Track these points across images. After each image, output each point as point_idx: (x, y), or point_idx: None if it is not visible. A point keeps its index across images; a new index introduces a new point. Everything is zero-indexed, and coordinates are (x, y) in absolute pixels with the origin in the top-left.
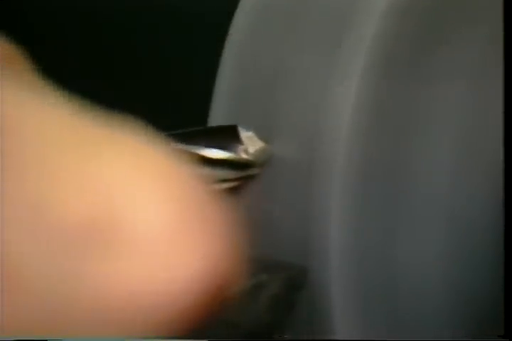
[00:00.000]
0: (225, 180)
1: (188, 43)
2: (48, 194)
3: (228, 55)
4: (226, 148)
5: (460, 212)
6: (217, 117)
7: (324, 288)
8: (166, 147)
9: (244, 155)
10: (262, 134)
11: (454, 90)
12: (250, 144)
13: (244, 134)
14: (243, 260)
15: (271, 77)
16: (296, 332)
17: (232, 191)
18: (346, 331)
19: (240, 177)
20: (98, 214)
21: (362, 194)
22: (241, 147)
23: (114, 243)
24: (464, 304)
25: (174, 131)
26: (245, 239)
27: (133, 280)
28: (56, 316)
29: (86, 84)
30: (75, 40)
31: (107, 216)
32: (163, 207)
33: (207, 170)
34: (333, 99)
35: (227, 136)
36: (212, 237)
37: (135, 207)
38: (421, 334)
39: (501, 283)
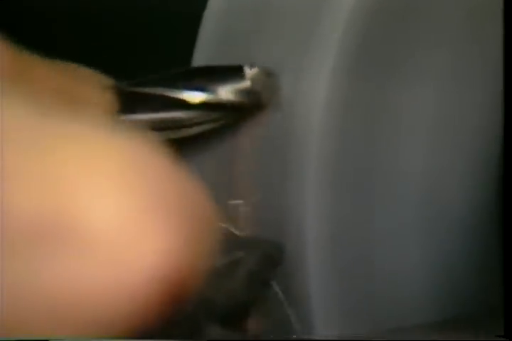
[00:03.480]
0: (207, 122)
1: None
2: (4, 191)
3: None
4: (213, 89)
5: (434, 192)
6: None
7: (301, 264)
8: (133, 136)
9: (230, 97)
10: None
11: (424, 88)
12: (254, 81)
13: (251, 72)
14: (205, 253)
15: None
16: (272, 310)
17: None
18: (323, 307)
19: (224, 118)
20: (51, 212)
21: (338, 169)
22: (231, 88)
23: (67, 239)
24: (438, 280)
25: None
26: (210, 231)
27: (88, 276)
28: (10, 315)
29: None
30: None
31: (60, 213)
32: (120, 200)
33: (189, 113)
34: (304, 96)
35: (227, 75)
36: (170, 232)
37: (88, 203)
38: (398, 306)
39: (481, 267)
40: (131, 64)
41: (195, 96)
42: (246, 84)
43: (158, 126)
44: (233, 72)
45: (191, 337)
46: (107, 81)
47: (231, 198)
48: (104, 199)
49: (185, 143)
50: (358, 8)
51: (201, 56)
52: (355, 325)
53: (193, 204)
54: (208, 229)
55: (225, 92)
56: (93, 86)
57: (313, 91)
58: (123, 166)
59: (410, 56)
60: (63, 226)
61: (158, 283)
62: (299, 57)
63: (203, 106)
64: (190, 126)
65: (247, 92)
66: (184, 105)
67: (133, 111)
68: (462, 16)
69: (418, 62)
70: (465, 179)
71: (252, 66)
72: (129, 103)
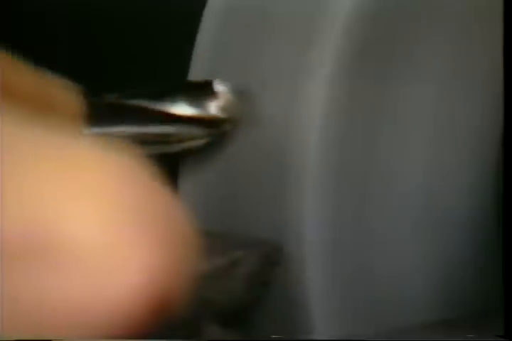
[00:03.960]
0: (194, 138)
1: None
2: None
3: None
4: (198, 105)
5: (434, 195)
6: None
7: (300, 264)
8: (116, 149)
9: (215, 112)
10: None
11: (422, 89)
12: (224, 100)
13: (220, 89)
14: (187, 270)
15: (238, 79)
16: (273, 308)
17: (203, 150)
18: (323, 307)
19: (210, 134)
20: (32, 228)
21: (338, 171)
22: (213, 103)
23: (50, 256)
24: (438, 281)
25: (149, 86)
26: (192, 246)
27: (71, 291)
28: None
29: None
30: None
31: (42, 229)
32: (101, 216)
33: (176, 128)
34: (304, 98)
35: (201, 92)
36: (153, 247)
37: (71, 219)
38: (398, 306)
39: (481, 269)
40: (125, 75)
41: (182, 110)
42: (219, 101)
43: (143, 140)
44: (204, 88)
45: (191, 338)
46: (82, 91)
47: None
48: (87, 214)
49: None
50: (356, 10)
51: (197, 67)
52: (355, 325)
53: (173, 218)
54: (189, 241)
55: (214, 108)
56: (70, 97)
57: (313, 93)
58: (105, 180)
59: (409, 57)
60: (45, 241)
61: (143, 297)
62: (297, 59)
63: (190, 121)
64: (178, 141)
65: (224, 109)
66: (171, 119)
67: (114, 124)
68: (462, 16)
69: (417, 63)
70: (465, 181)
71: (222, 82)
72: (112, 115)
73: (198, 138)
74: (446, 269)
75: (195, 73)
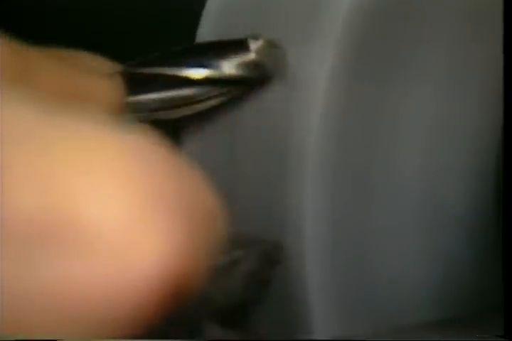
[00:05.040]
0: (212, 97)
1: None
2: (5, 189)
3: None
4: (221, 65)
5: (433, 192)
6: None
7: (300, 263)
8: (135, 131)
9: (229, 71)
10: None
11: (421, 87)
12: (259, 53)
13: (255, 45)
14: (207, 252)
15: None
16: (272, 307)
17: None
18: (323, 306)
19: (231, 91)
20: (51, 211)
21: (337, 168)
22: (236, 61)
23: (69, 239)
24: (438, 280)
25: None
26: (214, 226)
27: (90, 276)
28: (10, 315)
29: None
30: None
31: (61, 212)
32: (118, 198)
33: (195, 90)
34: (303, 97)
35: (236, 50)
36: (173, 228)
37: (90, 201)
38: (398, 306)
39: (479, 267)
40: (131, 44)
41: (198, 73)
42: (251, 56)
43: (162, 106)
44: (237, 46)
45: (191, 337)
46: (111, 65)
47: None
48: (106, 197)
49: (187, 123)
50: (356, 7)
51: (204, 34)
52: (355, 324)
53: (196, 202)
54: (212, 226)
55: (229, 67)
56: (97, 73)
57: (312, 91)
58: (125, 163)
59: (410, 55)
60: (64, 225)
61: (160, 283)
62: (296, 56)
63: (207, 81)
64: (194, 103)
65: (252, 65)
66: (188, 82)
67: (135, 93)
68: (462, 16)
69: (417, 61)
70: (464, 179)
71: (255, 38)
72: (132, 84)
73: (216, 97)
74: (446, 268)
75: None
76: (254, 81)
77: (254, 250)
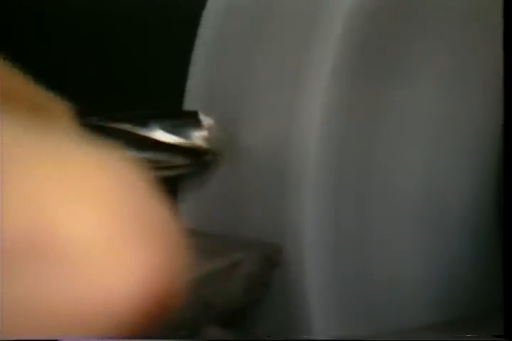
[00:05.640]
0: (177, 166)
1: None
2: None
3: (198, 54)
4: (183, 134)
5: (434, 196)
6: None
7: (299, 265)
8: (108, 151)
9: (199, 142)
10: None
11: (422, 87)
12: (210, 131)
13: (206, 121)
14: (184, 269)
15: (240, 77)
16: (272, 310)
17: (186, 177)
18: (323, 309)
19: (193, 163)
20: (30, 229)
21: (337, 174)
22: (198, 133)
23: (48, 256)
24: (438, 282)
25: (136, 111)
26: (184, 245)
27: (71, 295)
28: None
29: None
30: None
31: (40, 229)
32: (98, 218)
33: (160, 156)
34: (304, 97)
35: (187, 121)
36: (150, 246)
37: (69, 218)
38: (397, 309)
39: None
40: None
41: (166, 138)
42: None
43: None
44: (190, 118)
45: (191, 338)
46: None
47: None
48: (83, 215)
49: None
50: (358, 8)
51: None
52: (355, 326)
53: (166, 224)
54: (181, 241)
55: (199, 138)
56: (62, 110)
57: (313, 92)
58: (102, 183)
59: (410, 55)
60: (43, 241)
61: (141, 299)
62: (298, 58)
63: (172, 148)
64: (160, 168)
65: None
66: (154, 145)
67: None
68: (464, 16)
69: (418, 62)
70: (466, 181)
71: (207, 115)
72: (100, 137)
73: (180, 166)
74: (446, 269)
75: (194, 75)
76: (207, 153)
77: (254, 253)
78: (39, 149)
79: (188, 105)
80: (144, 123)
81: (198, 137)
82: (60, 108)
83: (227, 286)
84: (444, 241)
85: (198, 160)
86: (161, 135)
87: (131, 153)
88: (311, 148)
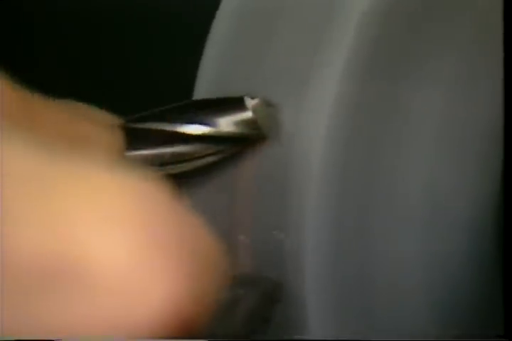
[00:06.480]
0: (209, 154)
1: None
2: (7, 232)
3: (208, 60)
4: (215, 123)
5: (438, 208)
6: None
7: (300, 301)
8: (137, 174)
9: (227, 129)
10: None
11: (435, 91)
12: (256, 112)
13: (252, 104)
14: (210, 293)
15: (249, 79)
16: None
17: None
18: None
19: (231, 150)
20: (55, 253)
21: (338, 206)
22: (239, 118)
23: (74, 281)
24: (438, 280)
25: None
26: (217, 271)
27: (94, 320)
28: None
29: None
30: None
31: (68, 254)
32: (126, 242)
33: (191, 147)
34: (314, 98)
35: (233, 108)
36: (176, 273)
37: (96, 244)
38: (399, 316)
39: (479, 279)
40: (132, 99)
41: (195, 130)
42: (248, 115)
43: (160, 161)
44: (234, 104)
45: None
46: (111, 118)
47: (232, 232)
48: (109, 241)
49: (186, 176)
50: (370, 9)
51: (202, 89)
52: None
53: (196, 243)
54: (213, 267)
55: (226, 124)
56: (96, 124)
57: (322, 92)
58: (128, 208)
59: (421, 58)
60: (68, 270)
61: (165, 325)
62: (308, 59)
63: (204, 139)
64: (192, 159)
65: (248, 123)
66: (185, 139)
67: (134, 148)
68: (476, 19)
69: (429, 64)
70: (470, 189)
71: (253, 97)
72: (129, 139)
73: (212, 155)
74: (446, 269)
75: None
76: (251, 139)
77: (255, 289)
78: (62, 173)
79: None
80: (173, 118)
81: (230, 124)
82: (100, 130)
83: (228, 321)
84: (446, 244)
85: (232, 147)
86: (192, 128)
87: (164, 150)
88: (311, 180)
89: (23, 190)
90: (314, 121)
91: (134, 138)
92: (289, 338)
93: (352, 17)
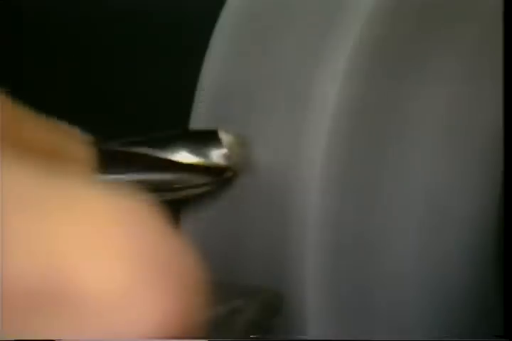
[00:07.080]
0: (196, 186)
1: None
2: None
3: (212, 58)
4: (201, 153)
5: (438, 208)
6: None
7: (301, 312)
8: (126, 195)
9: (219, 161)
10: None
11: (436, 90)
12: (231, 148)
13: (225, 138)
14: (201, 312)
15: (254, 78)
16: None
17: (205, 197)
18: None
19: (212, 182)
20: (49, 276)
21: (338, 221)
22: (218, 152)
23: (66, 303)
24: (438, 280)
25: (152, 134)
26: (204, 289)
27: (85, 339)
28: None
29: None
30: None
31: (58, 276)
32: (113, 264)
33: (180, 176)
34: (316, 99)
35: (206, 141)
36: (168, 293)
37: (83, 268)
38: (398, 323)
39: (480, 276)
40: (124, 124)
41: (185, 159)
42: (223, 150)
43: (151, 188)
44: (212, 137)
45: None
46: (91, 139)
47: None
48: (99, 262)
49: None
50: (376, 8)
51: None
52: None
53: (184, 265)
54: (200, 286)
55: (215, 156)
56: (79, 145)
57: (325, 92)
58: (117, 228)
59: (426, 57)
60: (58, 290)
61: None
62: (312, 58)
63: (191, 168)
64: (180, 188)
65: (223, 157)
66: (173, 167)
67: (121, 171)
68: (481, 18)
69: (433, 64)
70: (472, 191)
71: (227, 132)
72: (117, 163)
73: (200, 185)
74: (446, 269)
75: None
76: (227, 171)
77: (254, 300)
78: (53, 195)
79: (197, 114)
80: (162, 145)
81: (217, 156)
82: (76, 146)
83: (228, 332)
84: (446, 244)
85: (219, 178)
86: (180, 156)
87: (151, 176)
88: (312, 191)
89: (14, 212)
90: (316, 121)
91: (117, 162)
92: (288, 338)
93: (357, 18)
